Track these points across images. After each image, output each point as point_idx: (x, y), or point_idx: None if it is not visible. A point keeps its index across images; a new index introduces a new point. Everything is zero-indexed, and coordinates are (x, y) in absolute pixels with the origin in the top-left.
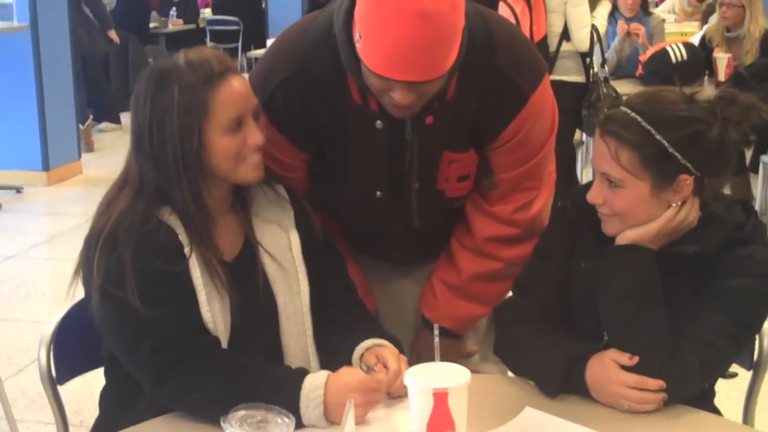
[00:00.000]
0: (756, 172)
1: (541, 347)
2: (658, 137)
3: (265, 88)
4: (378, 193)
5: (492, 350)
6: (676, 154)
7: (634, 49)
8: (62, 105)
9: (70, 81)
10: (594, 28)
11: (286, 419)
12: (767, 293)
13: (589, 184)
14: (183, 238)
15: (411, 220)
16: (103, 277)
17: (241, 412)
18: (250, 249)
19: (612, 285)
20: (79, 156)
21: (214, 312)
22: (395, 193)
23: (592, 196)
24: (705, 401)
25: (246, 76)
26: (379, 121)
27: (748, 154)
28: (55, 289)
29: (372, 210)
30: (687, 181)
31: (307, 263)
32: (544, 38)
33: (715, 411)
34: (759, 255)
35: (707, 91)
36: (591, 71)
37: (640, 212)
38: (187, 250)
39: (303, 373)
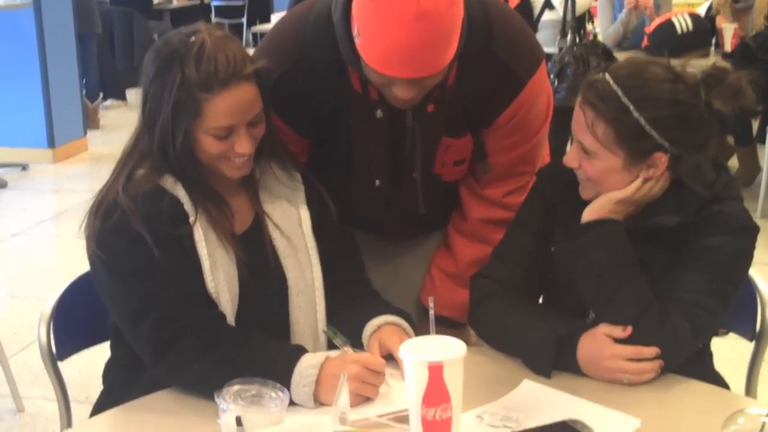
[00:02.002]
0: (763, 142)
1: (527, 324)
2: (636, 115)
3: (268, 77)
4: (377, 181)
5: None
6: (653, 133)
7: (641, 20)
8: (67, 82)
9: (74, 58)
10: None
11: (281, 393)
12: (744, 247)
13: (557, 162)
14: (188, 207)
15: (410, 205)
16: (106, 246)
17: (236, 387)
18: (259, 223)
19: (587, 263)
20: (85, 133)
21: (218, 283)
22: (394, 181)
23: (568, 159)
24: (704, 364)
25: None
26: (379, 110)
27: (755, 125)
28: (60, 266)
29: (371, 197)
30: (662, 159)
31: (318, 240)
32: (519, 6)
33: (716, 375)
34: (731, 210)
35: (712, 60)
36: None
37: (612, 182)
38: (192, 219)
39: (301, 351)
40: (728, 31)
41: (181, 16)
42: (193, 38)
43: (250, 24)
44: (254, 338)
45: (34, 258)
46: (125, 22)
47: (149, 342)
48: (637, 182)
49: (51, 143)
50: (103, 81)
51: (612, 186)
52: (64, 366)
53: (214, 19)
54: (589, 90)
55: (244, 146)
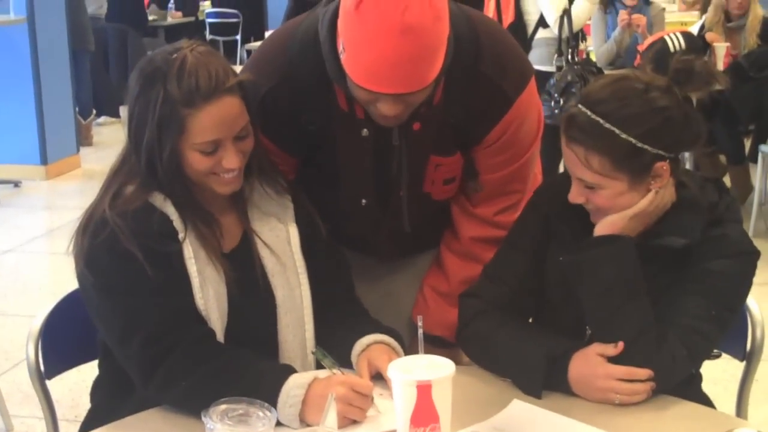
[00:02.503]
0: (756, 162)
1: (517, 344)
2: (624, 136)
3: (254, 94)
4: (363, 201)
5: None
6: (646, 147)
7: (633, 38)
8: (60, 99)
9: (68, 74)
10: (566, 12)
11: (268, 413)
12: (744, 272)
13: (557, 178)
14: (178, 224)
15: (398, 224)
16: (94, 264)
17: (223, 406)
18: (248, 241)
19: (595, 278)
20: (78, 150)
21: (208, 300)
22: (381, 200)
23: (573, 197)
24: (692, 386)
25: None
26: (365, 129)
27: (748, 144)
28: (52, 283)
29: (358, 217)
30: (663, 167)
31: (307, 258)
32: (513, 24)
33: (703, 396)
34: (733, 234)
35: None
36: (566, 58)
37: (623, 204)
38: (181, 236)
39: (289, 370)
40: (720, 49)
41: (175, 33)
42: (175, 55)
43: (245, 41)
44: (243, 356)
45: (26, 275)
46: (120, 39)
47: (138, 360)
48: (650, 195)
49: (44, 160)
50: (97, 98)
51: (625, 208)
52: (53, 384)
53: (208, 36)
54: (570, 127)
55: (231, 161)
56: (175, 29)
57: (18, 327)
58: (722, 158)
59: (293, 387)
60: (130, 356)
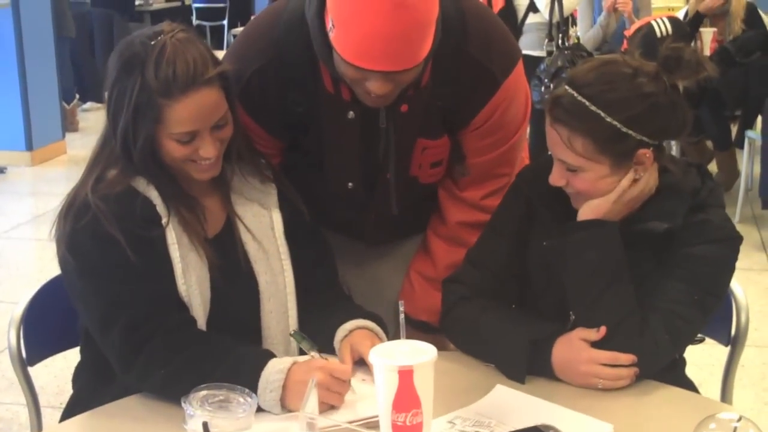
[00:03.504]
0: (742, 147)
1: (500, 329)
2: (609, 119)
3: (239, 78)
4: (350, 184)
5: None
6: (630, 132)
7: (620, 23)
8: (45, 84)
9: (53, 60)
10: None
11: (249, 399)
12: (727, 257)
13: (540, 162)
14: (161, 209)
15: (385, 208)
16: (76, 248)
17: (203, 392)
18: (230, 226)
19: (579, 263)
20: (63, 136)
21: (190, 286)
22: (368, 183)
23: (554, 179)
24: (676, 371)
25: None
26: (351, 112)
27: (734, 129)
28: (37, 270)
29: (344, 200)
30: (646, 154)
31: (290, 244)
32: (503, 9)
33: (687, 381)
34: (716, 219)
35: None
36: (556, 43)
37: (604, 188)
38: (164, 221)
39: (268, 355)
40: (707, 35)
41: (161, 18)
42: (154, 41)
43: (232, 26)
44: (222, 342)
45: (11, 262)
46: (105, 24)
47: (119, 347)
48: (629, 176)
49: (29, 146)
50: (83, 83)
51: (605, 192)
52: (38, 371)
53: (195, 21)
54: (556, 107)
55: (208, 150)
56: (161, 14)
57: (2, 314)
58: (708, 144)
59: (273, 372)
60: (110, 343)
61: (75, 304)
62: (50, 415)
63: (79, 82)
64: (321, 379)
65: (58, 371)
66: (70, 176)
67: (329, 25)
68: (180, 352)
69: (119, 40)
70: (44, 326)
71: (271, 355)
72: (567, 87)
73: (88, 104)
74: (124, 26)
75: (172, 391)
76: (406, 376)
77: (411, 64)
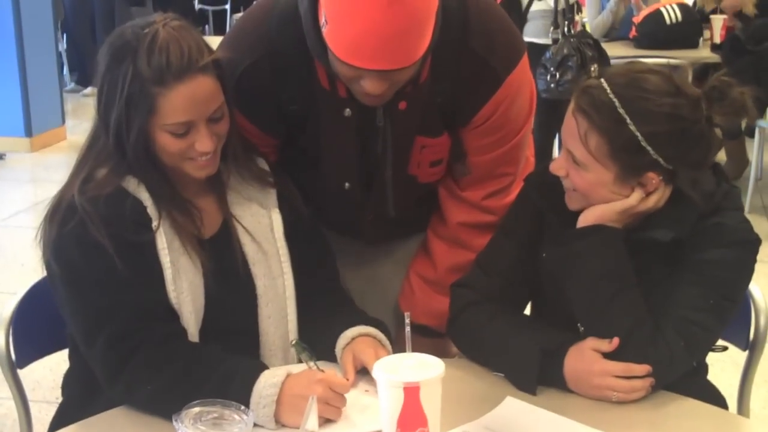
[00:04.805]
0: (752, 136)
1: (510, 337)
2: (632, 128)
3: (231, 72)
4: (347, 184)
5: None
6: (649, 148)
7: (629, 10)
8: (45, 69)
9: (53, 45)
10: None
11: (245, 416)
12: (743, 261)
13: (547, 167)
14: (151, 211)
15: (383, 209)
16: (62, 254)
17: (196, 409)
18: (227, 228)
19: (581, 271)
20: (63, 121)
21: (181, 293)
22: (365, 183)
23: (555, 167)
24: (698, 377)
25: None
26: (347, 109)
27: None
28: (35, 259)
29: (341, 200)
30: (653, 180)
31: (290, 245)
32: None
33: (710, 388)
34: (730, 222)
35: (701, 53)
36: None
37: (601, 195)
38: (154, 224)
39: (260, 367)
40: (718, 21)
41: (163, 2)
42: (146, 30)
43: (235, 10)
44: (212, 354)
45: (9, 251)
46: (107, 8)
47: (103, 361)
48: (636, 195)
49: (28, 132)
50: (84, 69)
51: (601, 199)
52: (33, 365)
53: (197, 5)
54: (583, 97)
55: (204, 144)
56: None
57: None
58: (717, 132)
59: (266, 386)
60: (95, 357)
61: (60, 310)
62: (45, 410)
63: (81, 67)
64: (319, 393)
65: (53, 365)
66: (69, 163)
67: (322, 20)
68: (166, 366)
69: (120, 25)
70: (36, 326)
71: (264, 367)
72: (603, 80)
73: (89, 89)
74: (126, 10)
75: (159, 407)
76: (411, 393)
77: (408, 63)
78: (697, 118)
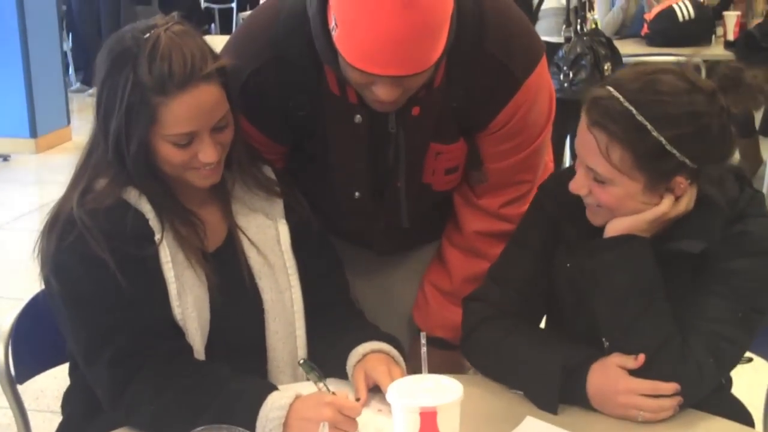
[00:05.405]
0: (766, 135)
1: (530, 353)
2: (655, 134)
3: (236, 78)
4: (357, 193)
5: None
6: (675, 151)
7: (639, 7)
8: (49, 70)
9: (57, 45)
10: None
11: None
12: None
13: (564, 172)
14: (154, 224)
15: (395, 219)
16: (61, 270)
17: None
18: (232, 240)
19: (609, 285)
20: (69, 122)
21: (186, 309)
22: (376, 192)
23: (575, 187)
24: (723, 392)
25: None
26: (358, 116)
27: (758, 117)
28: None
29: (351, 210)
30: (682, 184)
31: (297, 258)
32: None
33: (735, 403)
34: (756, 230)
35: (715, 50)
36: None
37: (630, 208)
38: (157, 238)
39: (268, 388)
40: (731, 18)
41: (169, 1)
42: (147, 35)
43: (241, 9)
44: (218, 373)
45: (14, 254)
46: (112, 7)
47: (105, 381)
48: (667, 202)
49: (33, 133)
50: (90, 68)
51: (630, 212)
52: (39, 375)
53: (203, 4)
54: (596, 109)
55: (208, 154)
56: None
57: (5, 309)
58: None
59: (272, 409)
60: (96, 376)
61: (60, 328)
62: (50, 420)
63: (87, 66)
64: (329, 417)
65: (58, 372)
66: (75, 164)
67: (332, 23)
68: (170, 386)
69: (126, 24)
70: (35, 340)
71: (272, 389)
72: (611, 89)
73: (94, 89)
74: (131, 9)
75: (161, 428)
76: (428, 418)
77: (421, 68)
78: (716, 111)
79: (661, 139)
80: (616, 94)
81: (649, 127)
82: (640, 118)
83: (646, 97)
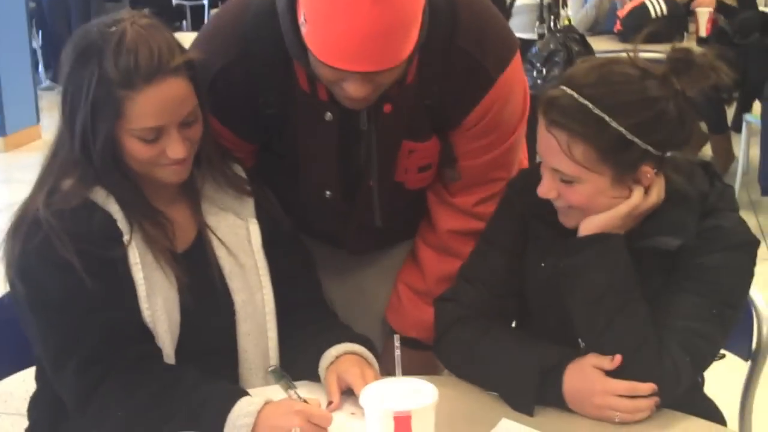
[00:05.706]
0: (739, 131)
1: (504, 354)
2: (614, 125)
3: (204, 75)
4: (327, 192)
5: None
6: (636, 140)
7: (613, 3)
8: (18, 67)
9: (26, 43)
10: None
11: None
12: (744, 265)
13: (533, 169)
14: (122, 224)
15: (368, 218)
16: (27, 274)
17: None
18: (202, 240)
19: (586, 285)
20: (38, 120)
21: (155, 311)
22: (348, 191)
23: (543, 191)
24: (696, 391)
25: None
26: (328, 113)
27: (730, 113)
28: None
29: (322, 210)
30: (648, 173)
31: (269, 258)
32: None
33: (708, 402)
34: (728, 224)
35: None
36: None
37: (601, 204)
38: (126, 239)
39: (237, 394)
40: (703, 15)
41: None
42: (113, 28)
43: (213, 5)
44: (186, 378)
45: None
46: (83, 5)
47: (72, 386)
48: (637, 194)
49: (2, 131)
50: (59, 65)
51: (601, 208)
52: (6, 378)
53: (175, 1)
54: (553, 109)
55: (176, 150)
56: None
57: None
58: (703, 126)
59: (240, 416)
60: (63, 382)
61: (26, 332)
62: (18, 423)
63: (56, 64)
64: (298, 425)
65: (26, 375)
66: None
67: (301, 19)
68: (138, 392)
69: None
70: (3, 342)
71: (241, 394)
72: (564, 87)
73: None
74: (101, 6)
75: None
76: (402, 422)
77: (392, 64)
78: (671, 94)
79: (621, 129)
80: (570, 91)
81: (607, 118)
82: (597, 111)
83: (600, 89)
